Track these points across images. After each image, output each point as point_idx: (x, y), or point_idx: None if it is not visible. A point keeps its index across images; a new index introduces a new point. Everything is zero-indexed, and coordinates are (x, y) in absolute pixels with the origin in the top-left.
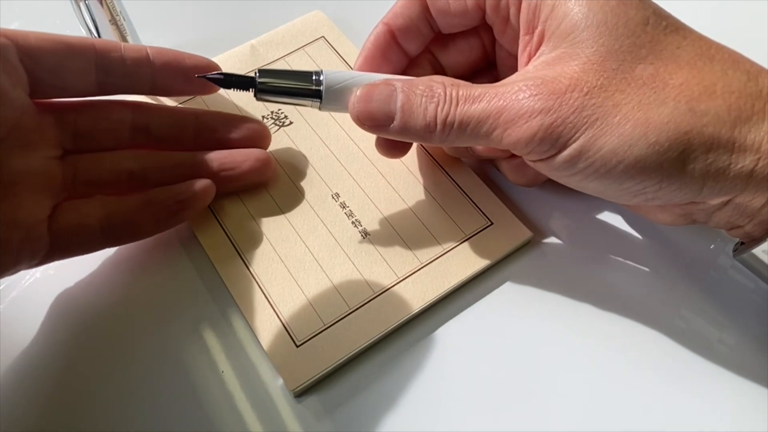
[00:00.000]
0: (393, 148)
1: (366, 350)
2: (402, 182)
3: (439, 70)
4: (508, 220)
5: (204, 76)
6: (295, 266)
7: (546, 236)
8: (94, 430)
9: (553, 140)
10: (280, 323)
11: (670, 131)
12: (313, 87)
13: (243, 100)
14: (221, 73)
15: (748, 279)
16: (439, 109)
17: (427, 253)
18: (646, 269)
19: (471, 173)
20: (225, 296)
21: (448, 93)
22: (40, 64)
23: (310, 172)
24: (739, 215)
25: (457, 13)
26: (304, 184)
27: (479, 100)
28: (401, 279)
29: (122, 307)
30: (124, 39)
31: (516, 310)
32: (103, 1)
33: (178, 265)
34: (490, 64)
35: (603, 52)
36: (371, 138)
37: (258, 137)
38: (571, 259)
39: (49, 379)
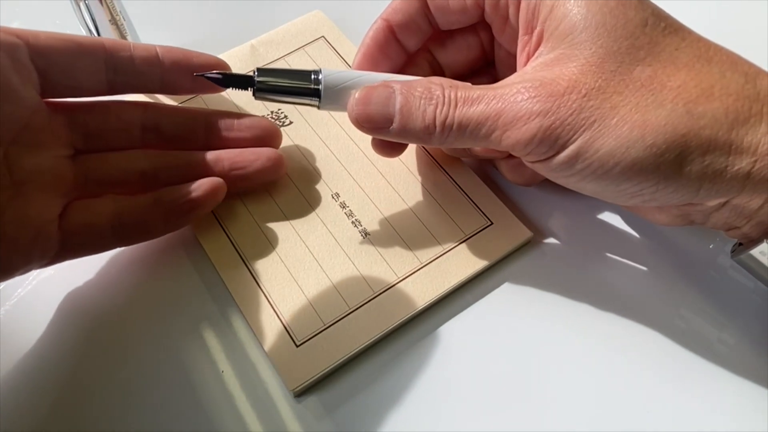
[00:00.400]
0: (389, 147)
1: (366, 350)
2: (402, 182)
3: (438, 69)
4: (508, 220)
5: (202, 75)
6: (295, 266)
7: (546, 236)
8: (95, 429)
9: (551, 142)
10: (280, 323)
11: (668, 133)
12: (312, 86)
13: (243, 100)
14: (220, 73)
15: (747, 279)
16: (438, 111)
17: (427, 253)
18: (646, 269)
19: (471, 173)
20: (225, 296)
21: (446, 95)
22: (51, 63)
23: (310, 172)
24: (737, 216)
25: (456, 10)
26: (304, 184)
27: (478, 101)
28: (401, 279)
29: (122, 306)
30: (123, 39)
31: (516, 309)
32: (103, 1)
33: (177, 264)
34: (488, 64)
35: (601, 54)
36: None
37: (269, 136)
38: (570, 259)
39: (51, 378)
